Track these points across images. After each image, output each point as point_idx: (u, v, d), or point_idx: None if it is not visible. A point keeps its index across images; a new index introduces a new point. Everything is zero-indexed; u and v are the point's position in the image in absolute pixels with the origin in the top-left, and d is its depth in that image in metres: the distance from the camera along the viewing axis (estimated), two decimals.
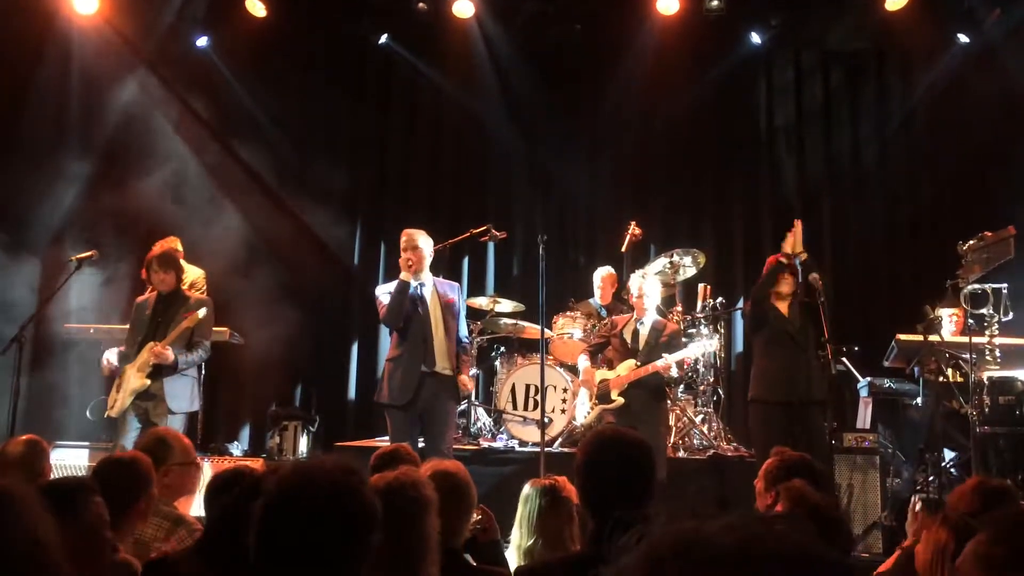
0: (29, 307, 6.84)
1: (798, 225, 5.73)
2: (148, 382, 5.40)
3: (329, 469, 1.78)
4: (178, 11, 8.10)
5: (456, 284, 5.87)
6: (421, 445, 5.53)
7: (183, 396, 5.55)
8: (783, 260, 5.65)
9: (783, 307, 5.63)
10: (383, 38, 8.57)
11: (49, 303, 6.31)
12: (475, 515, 2.95)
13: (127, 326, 6.82)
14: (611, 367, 5.93)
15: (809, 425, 5.41)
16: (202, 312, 5.51)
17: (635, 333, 5.89)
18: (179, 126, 8.29)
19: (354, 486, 1.77)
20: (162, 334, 5.51)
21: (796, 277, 5.61)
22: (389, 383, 5.48)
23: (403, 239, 5.57)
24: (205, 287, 6.86)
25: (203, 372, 6.17)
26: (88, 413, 6.63)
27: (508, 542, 3.30)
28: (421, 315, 5.49)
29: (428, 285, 5.60)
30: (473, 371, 7.25)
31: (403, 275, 5.44)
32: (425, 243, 5.56)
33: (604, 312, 7.23)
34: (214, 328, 5.89)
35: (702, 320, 7.11)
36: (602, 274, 7.42)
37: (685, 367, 6.80)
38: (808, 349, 5.50)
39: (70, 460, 5.94)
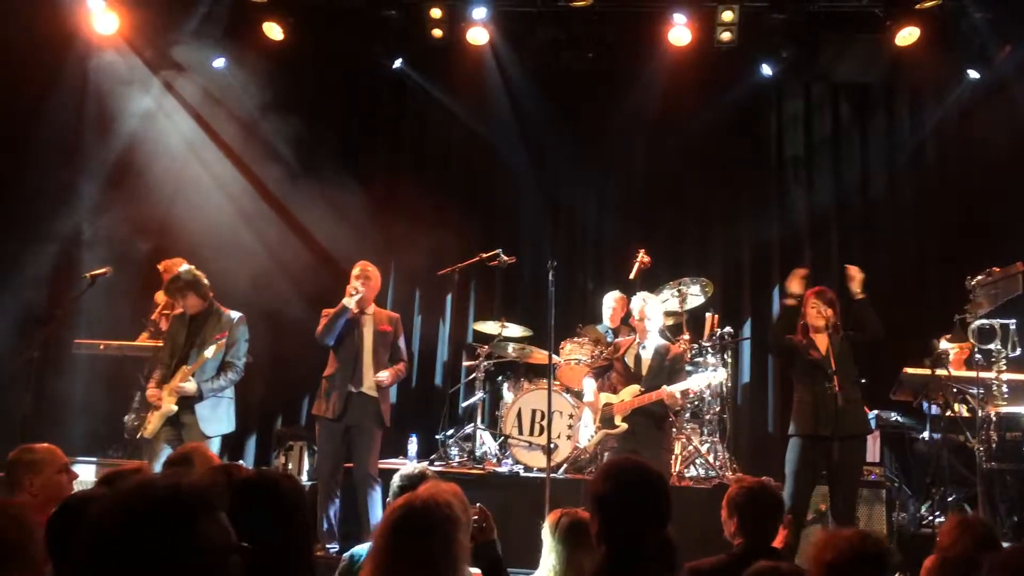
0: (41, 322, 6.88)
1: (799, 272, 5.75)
2: (175, 408, 5.48)
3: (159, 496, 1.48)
4: (196, 32, 8.21)
5: (396, 316, 6.36)
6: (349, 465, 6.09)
7: (215, 419, 5.61)
8: (788, 302, 5.62)
9: (820, 340, 5.46)
10: (397, 62, 8.66)
11: (62, 319, 6.33)
12: (472, 514, 2.96)
13: (135, 342, 6.91)
14: (615, 391, 5.93)
15: (840, 460, 5.27)
16: (212, 348, 5.53)
17: (637, 358, 5.88)
18: (193, 145, 8.38)
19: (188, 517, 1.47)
20: (195, 357, 5.58)
21: (830, 308, 5.43)
22: (322, 398, 6.07)
23: (356, 269, 6.10)
24: None
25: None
26: (125, 433, 6.67)
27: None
28: (355, 339, 6.06)
29: (369, 313, 6.15)
30: (479, 395, 7.30)
31: (345, 300, 6.01)
32: (375, 276, 6.15)
33: (611, 336, 7.24)
34: None
35: (709, 349, 7.11)
36: (614, 296, 7.45)
37: (691, 396, 6.80)
38: (846, 383, 5.31)
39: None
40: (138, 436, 5.65)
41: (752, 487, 3.38)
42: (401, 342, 6.29)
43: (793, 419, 5.52)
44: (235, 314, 5.83)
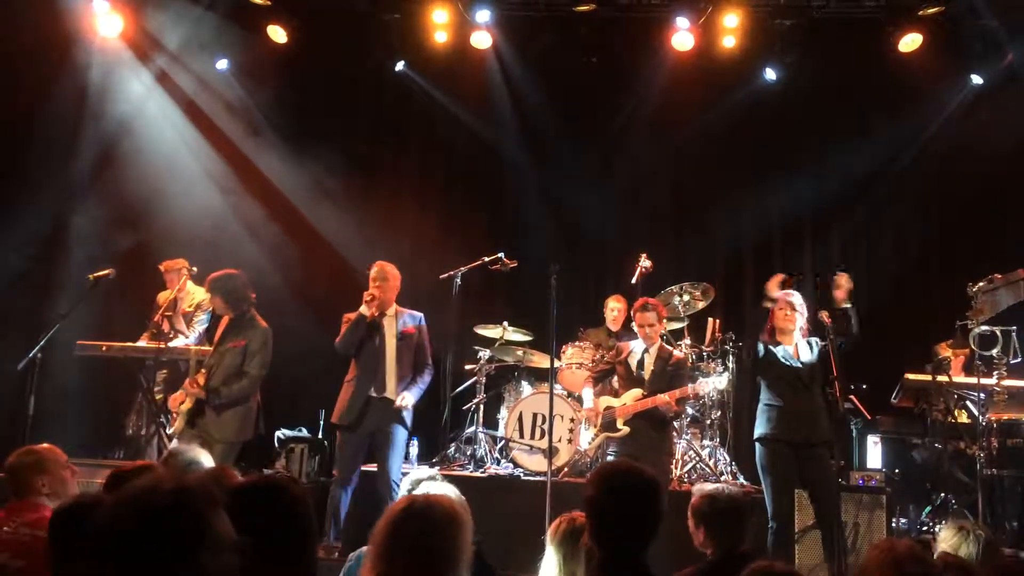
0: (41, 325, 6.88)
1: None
2: (186, 409, 5.56)
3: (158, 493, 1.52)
4: (198, 34, 8.22)
5: (419, 315, 6.08)
6: (373, 468, 5.85)
7: (222, 423, 5.57)
8: (766, 304, 5.54)
9: (789, 343, 5.43)
10: (400, 65, 8.68)
11: (65, 320, 6.33)
12: None
13: (137, 344, 6.92)
14: (617, 395, 5.94)
15: (816, 466, 5.23)
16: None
17: (640, 362, 5.90)
18: (194, 146, 8.40)
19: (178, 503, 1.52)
20: (213, 359, 5.66)
21: (796, 313, 5.38)
22: (341, 405, 5.85)
23: (373, 270, 5.90)
24: (211, 308, 6.89)
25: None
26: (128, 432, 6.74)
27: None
28: (376, 343, 5.85)
29: (390, 315, 5.92)
30: (480, 398, 7.30)
31: (363, 308, 5.80)
32: (393, 276, 5.89)
33: (613, 341, 7.24)
34: None
35: (708, 355, 7.11)
36: (617, 300, 7.49)
37: (691, 400, 6.79)
38: (815, 388, 5.29)
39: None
40: (170, 432, 5.71)
41: (712, 494, 3.36)
42: (426, 343, 6.08)
43: (759, 423, 5.44)
44: (262, 325, 5.80)
